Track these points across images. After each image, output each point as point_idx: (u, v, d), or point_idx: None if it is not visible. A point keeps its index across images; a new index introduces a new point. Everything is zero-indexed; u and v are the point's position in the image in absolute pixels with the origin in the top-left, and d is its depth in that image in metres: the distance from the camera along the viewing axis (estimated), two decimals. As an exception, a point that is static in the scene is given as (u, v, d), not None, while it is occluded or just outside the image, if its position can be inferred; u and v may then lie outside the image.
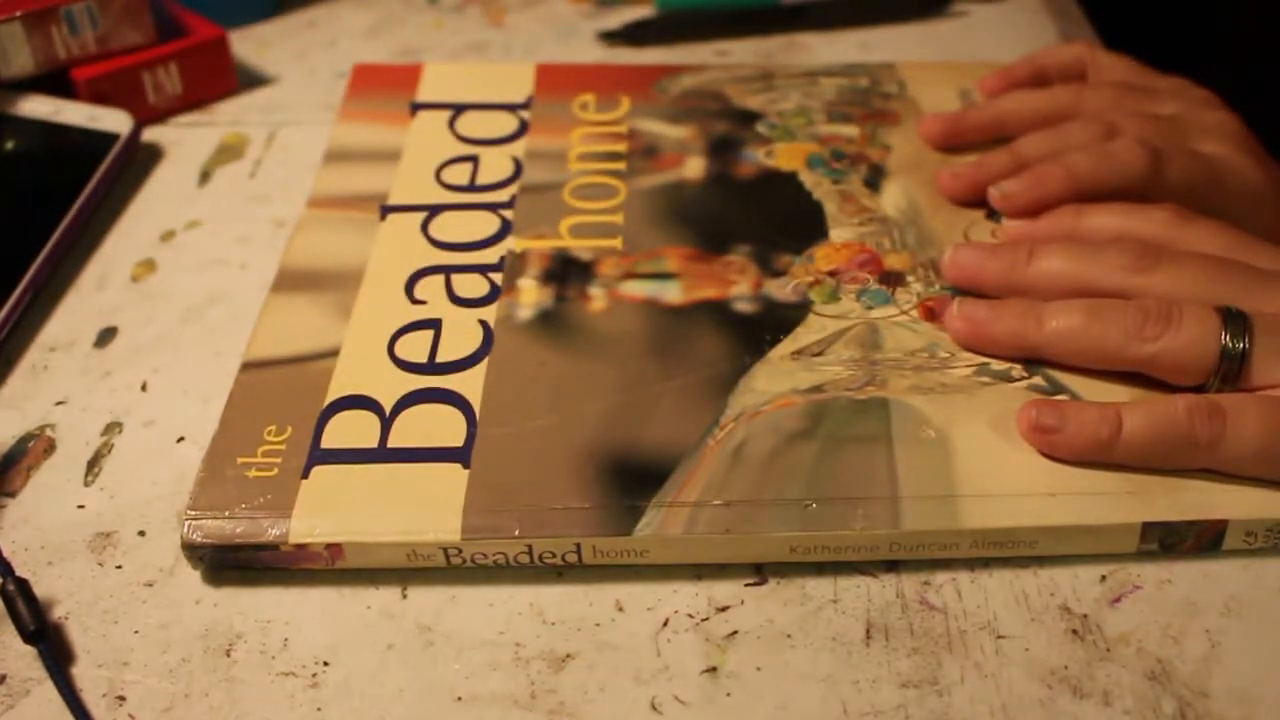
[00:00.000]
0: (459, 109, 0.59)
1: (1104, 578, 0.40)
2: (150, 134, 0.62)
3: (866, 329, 0.47)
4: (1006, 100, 0.56)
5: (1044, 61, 0.59)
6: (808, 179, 0.54)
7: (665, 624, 0.39)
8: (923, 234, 0.51)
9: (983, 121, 0.55)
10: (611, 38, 0.69)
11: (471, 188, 0.54)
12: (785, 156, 0.56)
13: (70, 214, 0.54)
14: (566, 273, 0.49)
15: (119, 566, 0.41)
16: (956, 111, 0.56)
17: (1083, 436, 0.41)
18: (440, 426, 0.43)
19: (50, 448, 0.45)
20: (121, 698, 0.37)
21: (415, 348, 0.46)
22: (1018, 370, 0.45)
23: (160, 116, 0.63)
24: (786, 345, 0.46)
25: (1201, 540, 0.40)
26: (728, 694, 0.37)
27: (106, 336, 0.50)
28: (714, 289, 0.48)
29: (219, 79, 0.64)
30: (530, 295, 0.48)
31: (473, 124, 0.58)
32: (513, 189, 0.54)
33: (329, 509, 0.40)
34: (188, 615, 0.40)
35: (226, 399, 0.44)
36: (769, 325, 0.47)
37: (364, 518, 0.40)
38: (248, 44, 0.69)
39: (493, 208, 0.53)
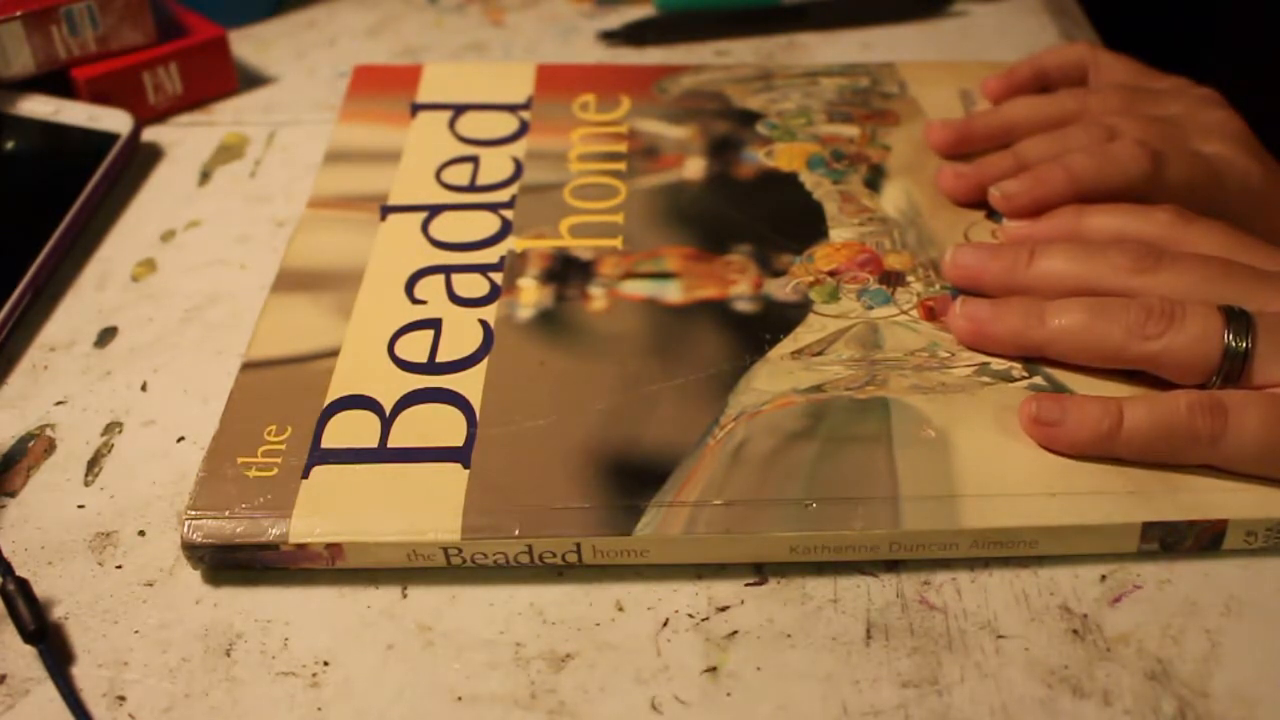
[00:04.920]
0: (459, 109, 0.59)
1: (1104, 577, 0.40)
2: (150, 134, 0.62)
3: (866, 329, 0.47)
4: (1013, 107, 0.56)
5: (1045, 62, 0.59)
6: (808, 179, 0.54)
7: (665, 624, 0.39)
8: (923, 234, 0.51)
9: (990, 128, 0.55)
10: (611, 38, 0.70)
11: (472, 188, 0.54)
12: (785, 156, 0.56)
13: (70, 214, 0.54)
14: (567, 272, 0.49)
15: (119, 566, 0.41)
16: (964, 118, 0.56)
17: (1084, 430, 0.41)
18: (440, 426, 0.43)
19: (50, 448, 0.45)
20: (121, 698, 0.37)
21: (415, 347, 0.46)
22: (1018, 370, 0.45)
23: (160, 116, 0.63)
24: (786, 345, 0.46)
25: (1202, 540, 0.40)
26: (728, 694, 0.37)
27: (106, 336, 0.50)
28: (714, 289, 0.48)
29: (219, 79, 0.64)
30: (530, 295, 0.48)
31: (473, 124, 0.58)
32: (513, 189, 0.54)
33: (329, 509, 0.40)
34: (188, 615, 0.39)
35: (226, 399, 0.44)
36: (769, 325, 0.47)
37: (364, 518, 0.40)
38: (248, 44, 0.69)
39: (493, 208, 0.53)
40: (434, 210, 0.53)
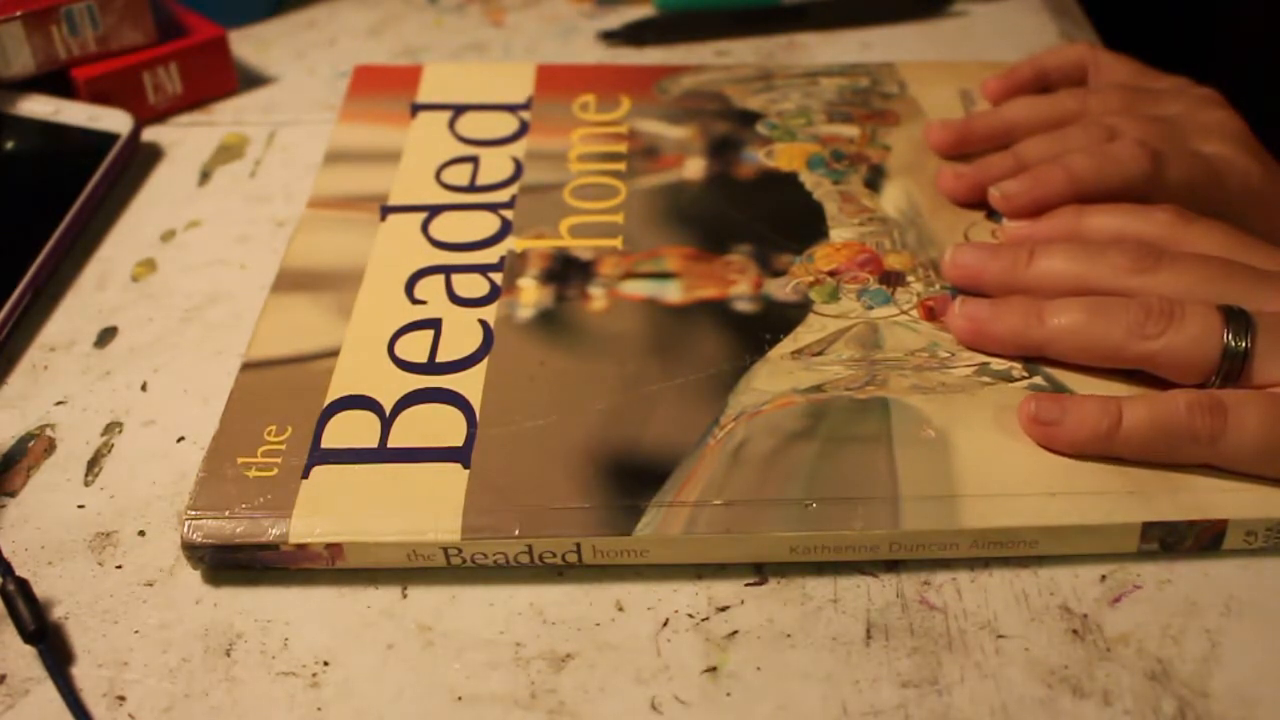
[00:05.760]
0: (459, 109, 0.59)
1: (1104, 578, 0.40)
2: (150, 134, 0.62)
3: (867, 329, 0.47)
4: (1013, 107, 0.56)
5: (1046, 63, 0.59)
6: (808, 179, 0.54)
7: (665, 624, 0.39)
8: (923, 234, 0.51)
9: (990, 129, 0.55)
10: (611, 38, 0.70)
11: (472, 188, 0.54)
12: (785, 157, 0.56)
13: (70, 214, 0.54)
14: (566, 272, 0.49)
15: (119, 566, 0.41)
16: (964, 119, 0.56)
17: (1083, 429, 0.41)
18: (440, 426, 0.43)
19: (50, 448, 0.45)
20: (121, 698, 0.37)
21: (415, 347, 0.46)
22: (1018, 370, 0.45)
23: (160, 116, 0.63)
24: (786, 345, 0.46)
25: (1202, 540, 0.40)
26: (728, 694, 0.37)
27: (106, 336, 0.50)
28: (714, 289, 0.48)
29: (219, 79, 0.64)
30: (530, 295, 0.48)
31: (473, 124, 0.58)
32: (513, 189, 0.54)
33: (329, 509, 0.40)
34: (188, 615, 0.40)
35: (226, 399, 0.44)
36: (769, 325, 0.47)
37: (364, 518, 0.40)
38: (248, 44, 0.69)
39: (493, 208, 0.53)
40: (434, 210, 0.53)
